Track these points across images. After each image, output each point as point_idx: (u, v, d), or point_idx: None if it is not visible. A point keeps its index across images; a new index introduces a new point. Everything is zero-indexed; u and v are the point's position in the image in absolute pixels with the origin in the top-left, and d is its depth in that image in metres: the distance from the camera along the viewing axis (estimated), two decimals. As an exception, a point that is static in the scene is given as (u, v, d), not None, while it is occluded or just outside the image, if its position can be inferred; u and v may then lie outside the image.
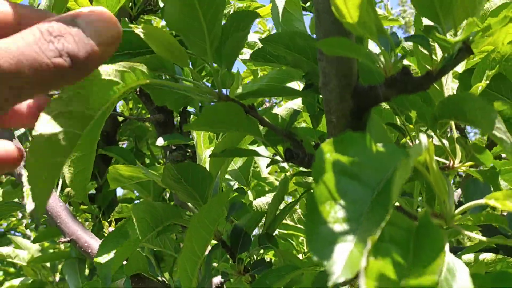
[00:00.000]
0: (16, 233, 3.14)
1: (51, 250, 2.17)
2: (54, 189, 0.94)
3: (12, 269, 2.49)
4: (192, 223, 0.59)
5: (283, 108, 1.00)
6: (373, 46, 0.79)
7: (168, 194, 1.75)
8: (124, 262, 0.77)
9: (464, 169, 0.62)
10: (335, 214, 0.33)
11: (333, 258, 0.30)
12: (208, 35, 0.56)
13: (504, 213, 0.70)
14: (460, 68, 0.67)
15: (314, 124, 0.71)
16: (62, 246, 2.14)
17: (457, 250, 0.75)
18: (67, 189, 1.00)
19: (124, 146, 2.12)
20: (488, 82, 0.63)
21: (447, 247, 0.43)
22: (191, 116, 1.45)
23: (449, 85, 0.65)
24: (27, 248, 1.97)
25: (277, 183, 1.26)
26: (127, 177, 0.99)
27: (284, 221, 1.12)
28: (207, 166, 0.83)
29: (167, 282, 0.79)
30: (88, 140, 0.54)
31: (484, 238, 0.44)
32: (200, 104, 1.36)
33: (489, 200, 0.39)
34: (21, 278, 2.08)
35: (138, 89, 1.47)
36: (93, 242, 0.82)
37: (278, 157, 0.72)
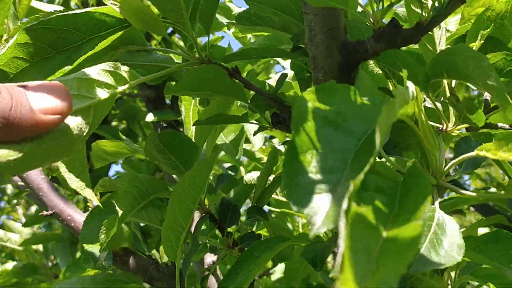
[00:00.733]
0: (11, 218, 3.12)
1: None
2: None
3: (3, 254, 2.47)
4: (175, 192, 0.56)
5: (273, 80, 0.97)
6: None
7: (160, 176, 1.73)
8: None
9: (457, 133, 0.60)
10: (317, 164, 0.31)
11: (314, 208, 0.28)
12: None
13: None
14: (453, 26, 0.64)
15: (302, 88, 0.68)
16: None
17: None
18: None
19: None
20: (482, 42, 0.60)
21: (437, 203, 0.41)
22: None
23: (443, 46, 0.63)
24: (19, 232, 1.95)
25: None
26: (111, 153, 0.96)
27: (277, 197, 1.10)
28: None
29: (153, 258, 0.77)
30: None
31: (474, 194, 0.41)
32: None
33: (480, 151, 0.37)
34: (14, 262, 2.06)
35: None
36: (77, 216, 0.79)
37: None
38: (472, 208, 1.68)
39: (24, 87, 0.36)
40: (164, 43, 1.27)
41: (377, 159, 0.41)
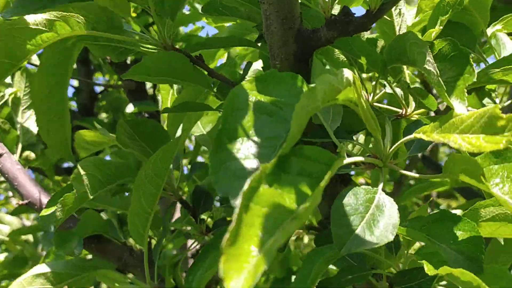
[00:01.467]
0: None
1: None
2: (13, 153, 0.92)
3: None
4: (139, 178, 0.57)
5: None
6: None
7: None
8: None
9: (417, 117, 0.61)
10: (247, 151, 0.32)
11: (236, 192, 0.29)
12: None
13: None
14: (410, 20, 0.65)
15: (267, 76, 0.69)
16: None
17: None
18: (26, 153, 0.99)
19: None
20: (441, 27, 0.61)
21: (381, 185, 0.42)
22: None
23: (403, 32, 0.64)
24: (9, 223, 1.96)
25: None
26: (92, 143, 0.97)
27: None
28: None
29: (128, 245, 0.78)
30: (55, 94, 0.54)
31: (417, 175, 0.43)
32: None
33: (417, 134, 0.38)
34: (6, 254, 2.08)
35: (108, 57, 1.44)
36: (51, 205, 0.80)
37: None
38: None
39: None
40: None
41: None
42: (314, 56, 0.51)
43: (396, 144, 0.42)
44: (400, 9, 0.63)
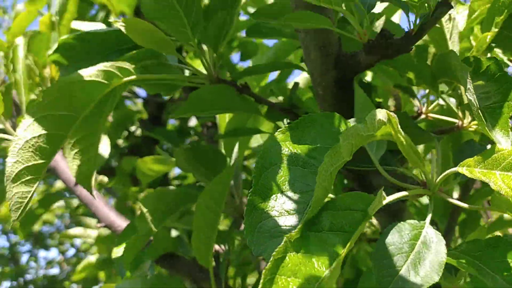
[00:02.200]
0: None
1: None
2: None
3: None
4: (198, 207, 0.60)
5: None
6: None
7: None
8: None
9: (475, 128, 0.58)
10: (281, 207, 0.32)
11: (269, 253, 0.30)
12: (187, 20, 0.56)
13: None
14: (462, 23, 0.61)
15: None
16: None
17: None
18: (100, 177, 1.06)
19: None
20: (497, 30, 0.57)
21: (428, 218, 0.41)
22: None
23: (455, 39, 0.60)
24: (96, 228, 2.12)
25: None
26: (156, 171, 1.00)
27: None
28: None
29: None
30: (89, 133, 0.58)
31: (466, 205, 0.41)
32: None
33: (460, 168, 0.37)
34: (97, 255, 2.24)
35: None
36: (124, 224, 0.86)
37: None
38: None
39: None
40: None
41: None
42: (356, 83, 0.50)
43: (444, 174, 0.40)
44: (449, 14, 0.60)
